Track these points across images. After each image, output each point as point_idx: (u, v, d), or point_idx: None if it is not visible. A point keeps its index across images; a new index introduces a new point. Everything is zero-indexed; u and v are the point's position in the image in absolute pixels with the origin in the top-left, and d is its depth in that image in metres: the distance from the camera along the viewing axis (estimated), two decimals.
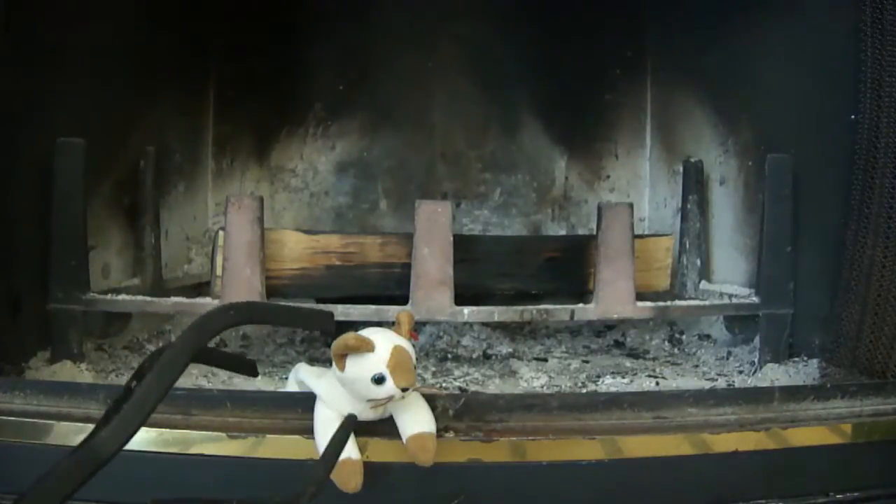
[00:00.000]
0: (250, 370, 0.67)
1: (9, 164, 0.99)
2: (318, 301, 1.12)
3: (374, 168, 1.56)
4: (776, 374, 1.08)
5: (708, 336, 1.35)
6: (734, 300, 1.20)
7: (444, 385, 1.07)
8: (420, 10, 1.51)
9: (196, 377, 1.08)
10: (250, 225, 1.06)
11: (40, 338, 1.05)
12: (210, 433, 0.78)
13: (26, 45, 1.00)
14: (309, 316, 0.64)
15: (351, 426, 0.71)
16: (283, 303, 1.07)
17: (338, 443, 0.69)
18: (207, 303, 1.09)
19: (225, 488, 0.78)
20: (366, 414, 0.73)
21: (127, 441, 0.51)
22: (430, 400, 0.77)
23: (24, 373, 1.00)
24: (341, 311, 1.07)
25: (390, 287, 1.11)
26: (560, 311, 1.10)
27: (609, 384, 1.09)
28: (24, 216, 1.04)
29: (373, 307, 1.06)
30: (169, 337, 1.29)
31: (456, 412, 0.79)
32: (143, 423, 0.52)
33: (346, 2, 1.52)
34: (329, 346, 0.70)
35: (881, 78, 0.96)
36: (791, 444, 0.82)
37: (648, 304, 1.13)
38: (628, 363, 1.23)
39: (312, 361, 1.08)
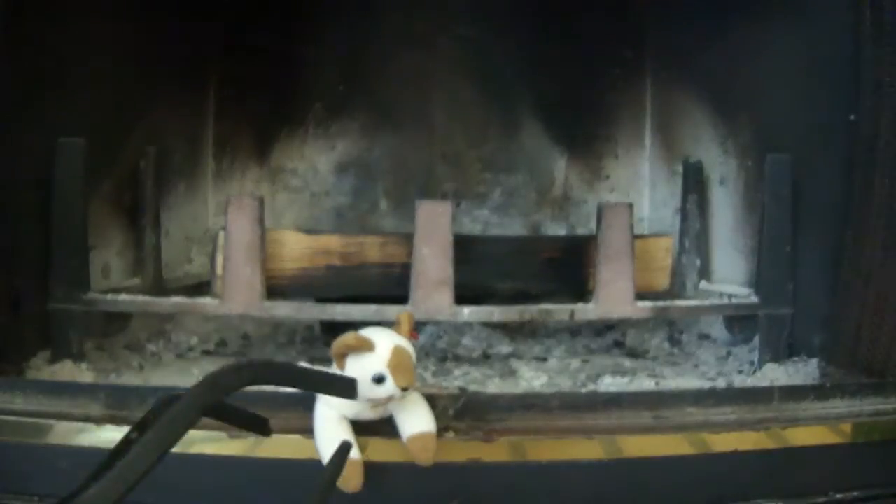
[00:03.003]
0: (262, 428, 0.64)
1: (9, 164, 0.99)
2: (319, 301, 1.12)
3: (375, 168, 1.56)
4: (776, 374, 1.08)
5: (708, 336, 1.35)
6: (734, 300, 1.20)
7: (444, 385, 1.07)
8: (420, 10, 1.51)
9: (196, 377, 1.08)
10: (250, 225, 1.06)
11: (40, 338, 1.05)
12: (210, 433, 0.78)
13: (26, 45, 1.01)
14: (331, 382, 0.63)
15: (347, 452, 0.70)
16: (284, 302, 1.08)
17: (334, 472, 0.68)
18: (208, 303, 1.09)
19: (225, 488, 0.78)
20: (366, 414, 0.73)
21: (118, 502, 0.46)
22: (430, 400, 0.77)
23: (25, 372, 1.00)
24: (341, 311, 1.07)
25: (390, 287, 1.11)
26: (560, 311, 1.10)
27: (609, 384, 1.09)
28: (25, 216, 1.04)
29: (373, 307, 1.06)
30: (169, 337, 1.29)
31: (456, 412, 0.80)
32: (138, 483, 0.47)
33: (346, 2, 1.52)
34: (329, 346, 0.70)
35: (881, 78, 0.96)
36: (791, 443, 0.82)
37: (648, 304, 1.13)
38: (628, 363, 1.23)
39: (312, 361, 1.08)
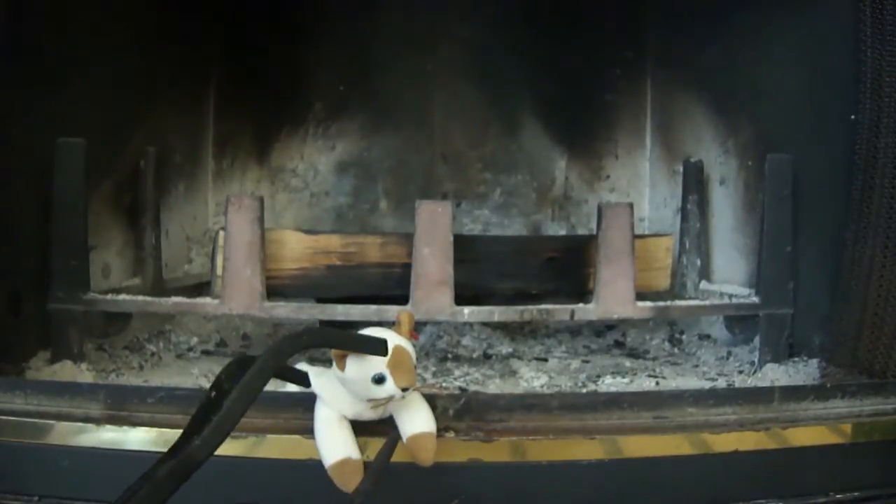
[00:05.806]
0: (306, 383, 0.74)
1: (9, 164, 0.99)
2: (319, 301, 1.12)
3: (375, 168, 1.56)
4: (776, 374, 1.08)
5: (708, 336, 1.35)
6: (734, 300, 1.20)
7: (444, 385, 1.07)
8: (420, 11, 1.51)
9: (196, 377, 1.08)
10: (250, 225, 1.06)
11: (41, 338, 1.05)
12: None
13: (27, 45, 1.01)
14: (366, 342, 0.69)
15: (394, 445, 0.74)
16: (284, 302, 1.08)
17: (385, 458, 0.73)
18: (208, 303, 1.09)
19: (225, 488, 0.78)
20: (366, 414, 0.73)
21: (216, 448, 0.56)
22: (430, 400, 0.77)
23: (25, 373, 1.00)
24: (341, 311, 1.07)
25: (390, 287, 1.11)
26: (560, 311, 1.10)
27: (609, 384, 1.09)
28: (24, 216, 1.04)
29: (373, 307, 1.06)
30: (169, 336, 1.29)
31: (456, 412, 0.80)
32: (230, 433, 0.57)
33: (346, 2, 1.52)
34: None
35: (881, 78, 0.96)
36: (791, 444, 0.82)
37: (648, 304, 1.12)
38: (628, 363, 1.23)
39: (313, 361, 1.08)
